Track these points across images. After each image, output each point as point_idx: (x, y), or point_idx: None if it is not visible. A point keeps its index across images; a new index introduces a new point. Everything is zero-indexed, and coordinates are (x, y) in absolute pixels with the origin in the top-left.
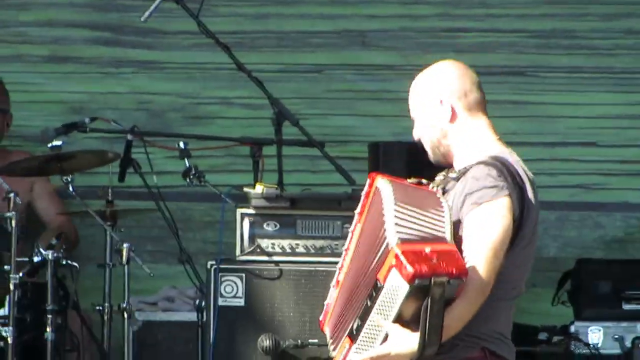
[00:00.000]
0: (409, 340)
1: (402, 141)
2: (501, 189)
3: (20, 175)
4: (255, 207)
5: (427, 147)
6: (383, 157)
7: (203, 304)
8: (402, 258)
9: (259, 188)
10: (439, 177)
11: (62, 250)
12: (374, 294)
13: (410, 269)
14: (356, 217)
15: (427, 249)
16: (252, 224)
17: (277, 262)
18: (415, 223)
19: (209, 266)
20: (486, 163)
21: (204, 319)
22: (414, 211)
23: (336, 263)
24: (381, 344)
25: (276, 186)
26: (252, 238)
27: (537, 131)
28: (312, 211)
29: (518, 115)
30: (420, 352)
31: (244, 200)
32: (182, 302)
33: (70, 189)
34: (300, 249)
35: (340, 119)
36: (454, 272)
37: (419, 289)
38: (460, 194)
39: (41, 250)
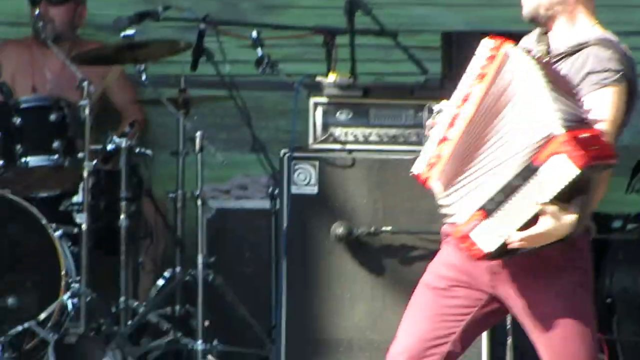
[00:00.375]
0: (564, 221)
1: (476, 31)
2: (624, 73)
3: (93, 64)
4: (328, 96)
5: (530, 3)
6: (456, 46)
7: (276, 191)
8: (571, 145)
9: (332, 77)
10: (537, 48)
11: (135, 138)
12: (528, 174)
13: (581, 157)
14: (471, 80)
15: (587, 135)
16: (325, 113)
17: (349, 151)
18: (568, 105)
19: (282, 154)
20: (608, 44)
21: (277, 206)
22: (562, 91)
23: (409, 152)
24: (526, 222)
25: (349, 75)
26: (325, 126)
27: (614, 20)
28: (385, 100)
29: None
30: (571, 233)
31: (316, 89)
32: (255, 190)
33: (143, 77)
34: (373, 138)
35: (414, 8)
36: (611, 157)
37: (580, 174)
38: (578, 70)
39: (114, 138)
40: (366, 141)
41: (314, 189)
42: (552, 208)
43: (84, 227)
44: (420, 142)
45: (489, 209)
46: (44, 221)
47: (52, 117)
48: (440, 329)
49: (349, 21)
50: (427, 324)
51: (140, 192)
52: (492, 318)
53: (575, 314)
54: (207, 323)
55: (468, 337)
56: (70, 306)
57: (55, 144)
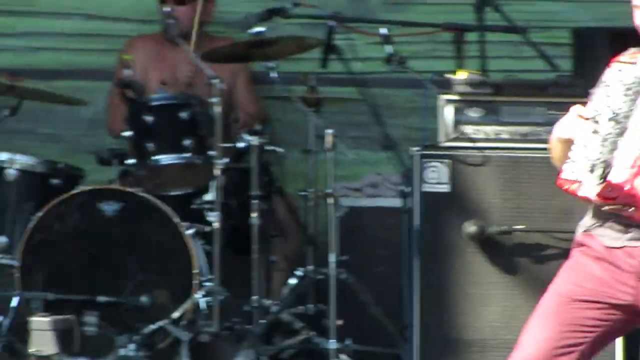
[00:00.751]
0: None
1: (606, 27)
2: None
3: (223, 61)
4: (459, 93)
5: None
6: (586, 43)
7: (407, 190)
8: None
9: (463, 74)
10: None
11: (266, 136)
12: None
13: None
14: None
15: None
16: (455, 110)
17: (481, 149)
18: None
19: (413, 152)
20: None
21: (409, 205)
22: None
23: (541, 149)
24: None
25: (480, 72)
26: (456, 124)
27: None
28: (517, 97)
29: None
30: None
31: (446, 86)
32: (386, 188)
33: (273, 74)
34: (505, 136)
35: (544, 4)
36: None
37: None
38: None
39: (245, 135)
40: (497, 139)
41: (445, 187)
42: None
43: (216, 225)
44: None
45: None
46: (176, 219)
47: (183, 114)
48: (570, 338)
49: (478, 18)
50: (557, 332)
51: (271, 190)
52: (624, 330)
53: None
54: (340, 322)
55: (598, 347)
56: (203, 305)
57: (186, 142)
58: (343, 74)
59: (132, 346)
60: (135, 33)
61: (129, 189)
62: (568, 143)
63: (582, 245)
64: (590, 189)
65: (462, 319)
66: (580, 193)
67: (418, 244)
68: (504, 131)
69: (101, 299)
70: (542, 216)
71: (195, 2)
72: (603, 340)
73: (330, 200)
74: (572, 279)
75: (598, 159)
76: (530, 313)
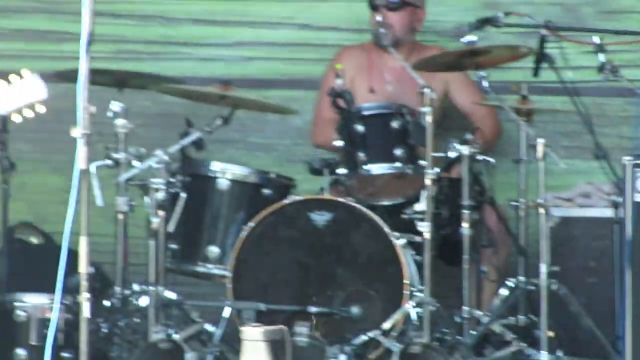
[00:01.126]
0: None
1: None
2: None
3: (434, 70)
4: None
5: None
6: None
7: (619, 200)
8: None
9: None
10: None
11: (476, 145)
12: None
13: None
14: None
15: None
16: None
17: None
18: None
19: (625, 162)
20: None
21: (621, 215)
22: None
23: None
24: None
25: None
26: None
27: None
28: None
29: None
30: None
31: None
32: (598, 198)
33: (485, 84)
34: None
35: None
36: None
37: None
38: None
39: (456, 145)
40: None
41: None
42: None
43: (426, 235)
44: None
45: None
46: (386, 229)
47: (394, 124)
48: None
49: None
50: None
51: (482, 200)
52: None
53: None
54: (551, 333)
55: None
56: (414, 315)
57: (398, 152)
58: (555, 82)
59: (343, 357)
60: (345, 42)
61: (340, 199)
62: None
63: None
64: None
65: None
66: None
67: (630, 255)
68: None
69: (312, 309)
70: None
71: (407, 8)
72: None
73: (542, 210)
74: None
75: None
76: None
